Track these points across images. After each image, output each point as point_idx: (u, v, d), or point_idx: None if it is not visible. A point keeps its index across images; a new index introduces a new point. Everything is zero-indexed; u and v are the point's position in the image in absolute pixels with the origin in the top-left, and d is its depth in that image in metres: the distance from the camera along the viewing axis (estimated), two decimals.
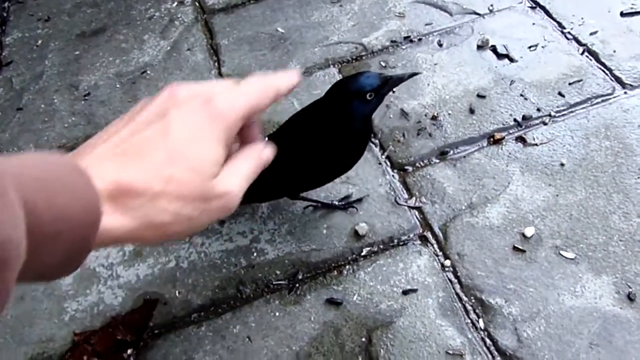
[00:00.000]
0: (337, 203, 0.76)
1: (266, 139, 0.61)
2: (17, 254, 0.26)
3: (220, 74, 0.98)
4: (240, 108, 0.45)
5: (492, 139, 0.83)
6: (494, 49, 0.95)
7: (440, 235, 0.73)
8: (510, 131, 0.84)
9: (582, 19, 0.98)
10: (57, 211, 0.30)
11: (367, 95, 0.56)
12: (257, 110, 0.50)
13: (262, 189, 0.55)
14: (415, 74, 0.60)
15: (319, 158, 0.59)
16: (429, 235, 0.74)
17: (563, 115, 0.85)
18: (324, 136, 0.58)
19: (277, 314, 0.68)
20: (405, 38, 1.00)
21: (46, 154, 0.32)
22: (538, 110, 0.86)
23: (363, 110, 0.57)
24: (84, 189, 0.32)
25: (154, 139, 0.39)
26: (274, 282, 0.71)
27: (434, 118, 0.86)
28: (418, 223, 0.75)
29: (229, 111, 0.43)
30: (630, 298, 0.65)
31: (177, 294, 0.71)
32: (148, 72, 1.01)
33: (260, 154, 0.51)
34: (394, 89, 0.89)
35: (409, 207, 0.77)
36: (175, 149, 0.39)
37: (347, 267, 0.71)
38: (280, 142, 0.60)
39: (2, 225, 0.24)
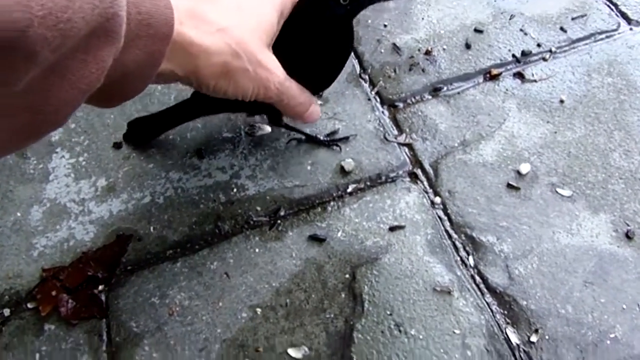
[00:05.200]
0: (321, 138, 0.72)
1: None
2: (120, 34, 0.30)
3: None
4: None
5: (488, 75, 0.78)
6: None
7: (431, 172, 0.70)
8: (508, 67, 0.79)
9: None
10: (142, 16, 0.34)
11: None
12: None
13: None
14: None
15: (295, 59, 0.55)
16: (418, 172, 0.70)
17: (564, 51, 0.80)
18: (299, 34, 0.54)
19: (257, 250, 0.64)
20: None
21: None
22: (538, 45, 0.81)
23: (335, 11, 0.53)
24: (164, 3, 0.36)
25: None
26: (254, 219, 0.67)
27: (427, 53, 0.81)
28: (408, 160, 0.71)
29: None
30: (628, 236, 0.62)
31: (151, 230, 0.67)
32: None
33: (310, 102, 0.57)
34: (386, 23, 0.85)
35: (398, 143, 0.72)
36: (242, 3, 0.46)
37: (332, 203, 0.68)
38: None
39: (118, 5, 0.29)
